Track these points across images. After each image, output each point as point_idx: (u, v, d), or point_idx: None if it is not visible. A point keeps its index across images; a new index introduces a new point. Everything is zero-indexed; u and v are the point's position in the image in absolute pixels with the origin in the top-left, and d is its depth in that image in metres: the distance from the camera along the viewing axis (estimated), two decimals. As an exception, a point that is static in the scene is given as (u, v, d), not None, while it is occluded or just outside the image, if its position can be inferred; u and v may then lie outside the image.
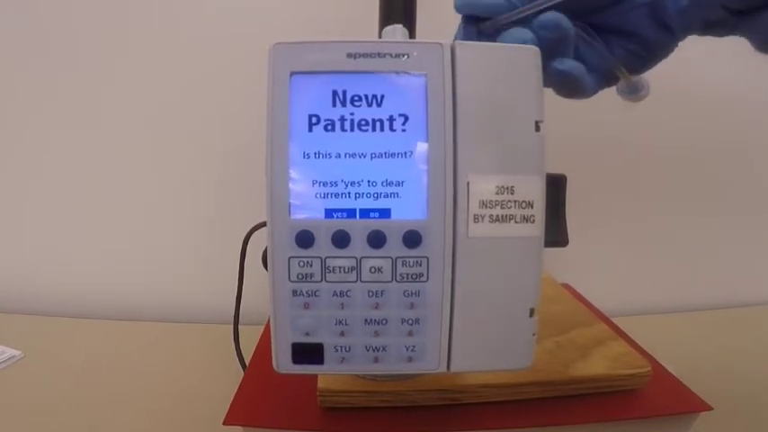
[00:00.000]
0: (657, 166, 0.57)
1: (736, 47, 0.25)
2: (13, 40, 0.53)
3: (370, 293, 0.21)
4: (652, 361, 0.34)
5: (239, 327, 0.40)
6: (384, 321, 0.21)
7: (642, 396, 0.32)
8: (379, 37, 0.25)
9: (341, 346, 0.21)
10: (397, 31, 0.24)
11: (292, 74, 0.21)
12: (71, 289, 0.57)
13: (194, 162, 0.54)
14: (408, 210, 0.20)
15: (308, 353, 0.21)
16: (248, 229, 0.36)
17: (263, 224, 0.21)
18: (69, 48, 0.53)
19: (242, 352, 0.39)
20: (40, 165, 0.56)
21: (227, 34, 0.52)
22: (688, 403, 0.31)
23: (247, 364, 0.37)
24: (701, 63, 0.47)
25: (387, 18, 0.25)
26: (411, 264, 0.20)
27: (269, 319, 0.21)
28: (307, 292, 0.21)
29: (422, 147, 0.20)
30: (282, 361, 0.21)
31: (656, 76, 0.26)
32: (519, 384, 0.31)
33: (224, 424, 0.29)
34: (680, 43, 0.25)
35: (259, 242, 0.26)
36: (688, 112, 0.55)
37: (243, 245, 0.37)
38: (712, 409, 0.30)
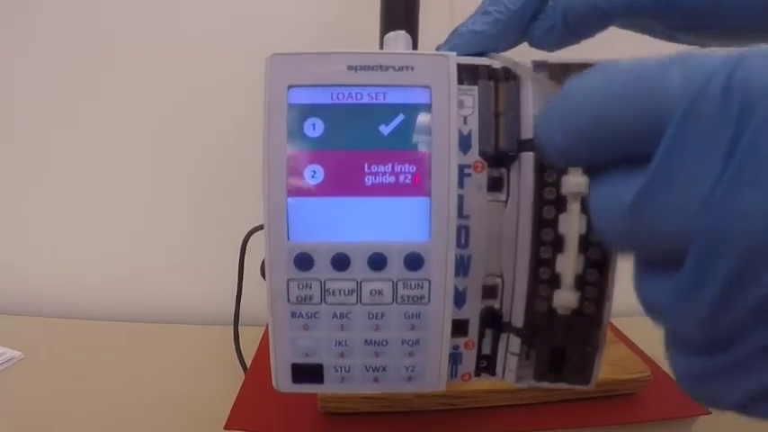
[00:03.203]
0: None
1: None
2: (17, 41, 0.52)
3: (371, 315, 0.20)
4: (652, 364, 0.34)
5: (239, 328, 0.40)
6: (384, 343, 0.21)
7: (641, 400, 0.32)
8: (380, 43, 0.24)
9: (341, 367, 0.21)
10: (399, 37, 0.23)
11: (290, 87, 0.20)
12: (72, 290, 0.57)
13: (193, 164, 0.54)
14: (410, 231, 0.20)
15: (307, 373, 0.21)
16: (248, 230, 0.36)
17: (262, 226, 0.20)
18: (70, 49, 0.52)
19: (242, 353, 0.39)
20: (40, 166, 0.55)
21: (227, 38, 0.50)
22: (687, 407, 0.31)
23: (248, 365, 0.37)
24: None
25: (388, 24, 0.24)
26: (412, 286, 0.20)
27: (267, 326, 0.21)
28: (306, 314, 0.20)
29: (425, 166, 0.20)
30: (282, 380, 0.21)
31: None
32: (518, 389, 0.31)
33: (225, 429, 0.30)
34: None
35: (258, 244, 0.26)
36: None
37: (242, 246, 0.36)
38: (710, 413, 0.31)
